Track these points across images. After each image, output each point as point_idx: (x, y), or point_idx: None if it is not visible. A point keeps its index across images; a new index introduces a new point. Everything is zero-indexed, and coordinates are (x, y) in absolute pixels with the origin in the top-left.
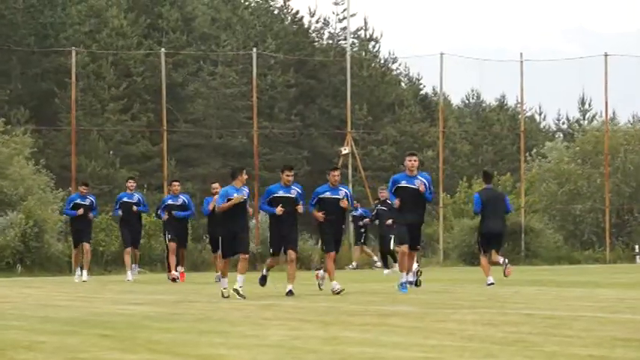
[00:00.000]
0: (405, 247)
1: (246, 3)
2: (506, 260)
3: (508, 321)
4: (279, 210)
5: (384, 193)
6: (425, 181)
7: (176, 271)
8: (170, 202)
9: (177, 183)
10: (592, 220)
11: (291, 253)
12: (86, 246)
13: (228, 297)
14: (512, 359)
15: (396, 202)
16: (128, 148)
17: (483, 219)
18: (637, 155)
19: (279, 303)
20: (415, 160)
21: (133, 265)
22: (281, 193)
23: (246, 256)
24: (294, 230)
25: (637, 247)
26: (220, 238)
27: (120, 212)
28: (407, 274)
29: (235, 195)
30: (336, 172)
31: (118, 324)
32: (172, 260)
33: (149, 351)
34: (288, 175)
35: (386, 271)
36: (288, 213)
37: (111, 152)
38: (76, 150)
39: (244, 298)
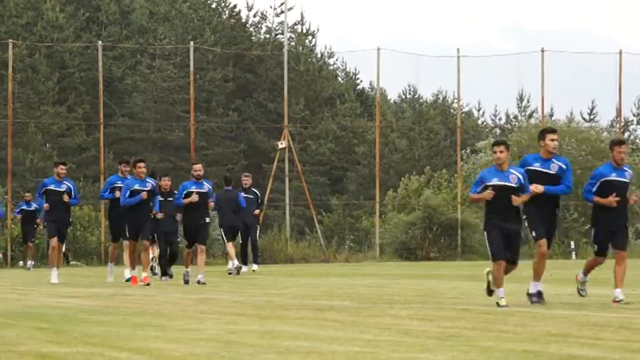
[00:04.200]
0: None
1: None
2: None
3: (444, 316)
4: (537, 188)
5: (247, 180)
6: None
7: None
8: (137, 186)
9: (142, 164)
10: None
11: (543, 244)
12: (60, 245)
13: (506, 306)
14: (448, 354)
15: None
16: (64, 140)
17: (222, 216)
18: (573, 151)
19: (215, 297)
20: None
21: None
22: (537, 166)
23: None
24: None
25: (572, 243)
26: (486, 233)
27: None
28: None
29: (495, 181)
30: (623, 148)
31: (53, 317)
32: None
33: (85, 344)
34: (552, 140)
35: (244, 268)
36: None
37: (47, 145)
38: (13, 143)
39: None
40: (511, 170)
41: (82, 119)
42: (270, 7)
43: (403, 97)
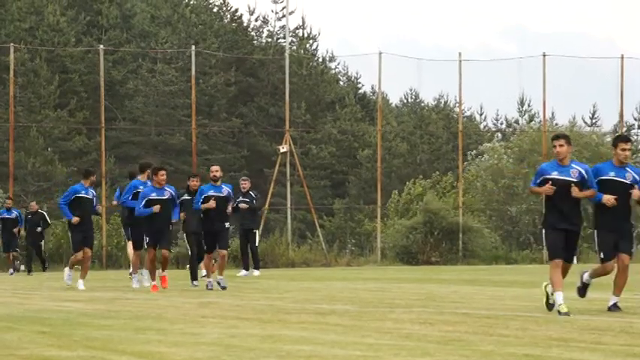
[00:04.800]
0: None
1: (186, 1)
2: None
3: (445, 320)
4: (609, 200)
5: (245, 184)
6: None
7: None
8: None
9: (163, 172)
10: (529, 220)
11: (625, 259)
12: (87, 252)
13: (567, 313)
14: (449, 358)
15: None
16: (65, 144)
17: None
18: (574, 156)
19: (217, 301)
20: None
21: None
22: (612, 175)
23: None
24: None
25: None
26: (545, 231)
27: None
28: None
29: (555, 175)
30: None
31: (55, 321)
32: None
33: (86, 348)
34: (623, 150)
35: (244, 272)
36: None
37: (49, 148)
38: (14, 147)
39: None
40: (573, 165)
41: (83, 123)
42: (272, 12)
43: (405, 101)
